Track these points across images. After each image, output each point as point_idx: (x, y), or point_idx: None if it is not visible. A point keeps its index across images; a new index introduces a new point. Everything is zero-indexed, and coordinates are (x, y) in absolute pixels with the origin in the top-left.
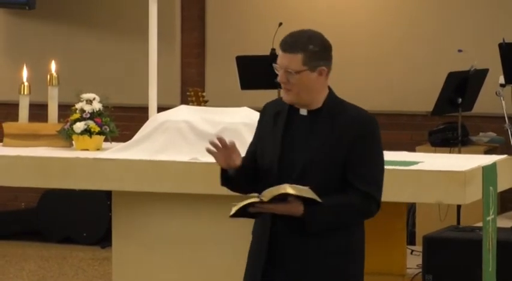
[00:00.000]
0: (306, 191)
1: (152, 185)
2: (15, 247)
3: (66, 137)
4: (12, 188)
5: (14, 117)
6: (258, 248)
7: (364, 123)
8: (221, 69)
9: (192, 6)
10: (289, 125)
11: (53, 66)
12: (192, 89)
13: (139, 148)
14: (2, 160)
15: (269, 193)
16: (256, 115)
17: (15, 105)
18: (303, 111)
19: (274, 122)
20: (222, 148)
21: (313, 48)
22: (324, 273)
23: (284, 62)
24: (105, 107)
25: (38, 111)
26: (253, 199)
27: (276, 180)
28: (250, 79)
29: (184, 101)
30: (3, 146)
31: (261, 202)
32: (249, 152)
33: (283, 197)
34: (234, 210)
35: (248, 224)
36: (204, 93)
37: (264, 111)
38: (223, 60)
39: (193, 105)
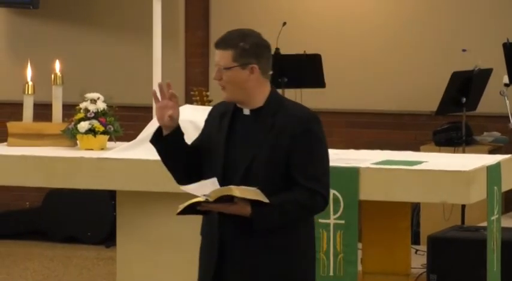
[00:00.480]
0: (253, 192)
1: (156, 185)
2: (20, 247)
3: (70, 136)
4: (17, 187)
5: (18, 117)
6: (208, 248)
7: (303, 121)
8: None
9: (196, 5)
10: (233, 125)
11: (57, 65)
12: (196, 89)
13: (144, 148)
14: (7, 159)
15: (215, 193)
16: None
17: (19, 105)
18: (246, 111)
19: (220, 122)
20: (163, 98)
21: (244, 45)
22: (273, 271)
23: (216, 58)
24: (109, 106)
25: (42, 111)
26: (199, 198)
27: (220, 179)
28: None
29: (189, 100)
30: (7, 145)
31: (207, 201)
32: (192, 143)
33: (230, 198)
34: (180, 208)
35: None
36: (208, 93)
37: (210, 113)
38: None
39: (197, 104)
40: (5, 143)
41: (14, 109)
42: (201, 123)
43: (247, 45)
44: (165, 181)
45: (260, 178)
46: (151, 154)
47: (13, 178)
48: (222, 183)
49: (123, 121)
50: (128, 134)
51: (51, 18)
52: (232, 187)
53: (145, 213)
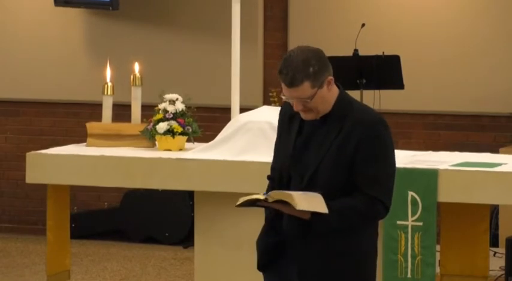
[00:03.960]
0: (313, 201)
1: (235, 186)
2: (98, 247)
3: (149, 137)
4: (96, 187)
5: (98, 118)
6: (271, 241)
7: (369, 125)
8: None
9: (274, 7)
10: (302, 128)
11: (136, 66)
12: (274, 90)
13: (222, 149)
14: (86, 159)
15: (276, 195)
16: None
17: (98, 106)
18: None
19: (289, 124)
20: None
21: (313, 69)
22: (332, 275)
23: (294, 94)
24: (187, 107)
25: (121, 112)
26: (260, 195)
27: (286, 179)
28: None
29: (267, 101)
30: (86, 146)
31: (266, 200)
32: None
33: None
34: (240, 201)
35: None
36: None
37: (280, 115)
38: None
39: (275, 105)
40: (84, 144)
41: (93, 110)
42: None
43: (316, 67)
44: (243, 182)
45: (325, 182)
46: (229, 154)
47: (92, 178)
48: (288, 185)
49: (201, 122)
50: (207, 135)
51: (130, 19)
52: (294, 194)
53: (223, 214)
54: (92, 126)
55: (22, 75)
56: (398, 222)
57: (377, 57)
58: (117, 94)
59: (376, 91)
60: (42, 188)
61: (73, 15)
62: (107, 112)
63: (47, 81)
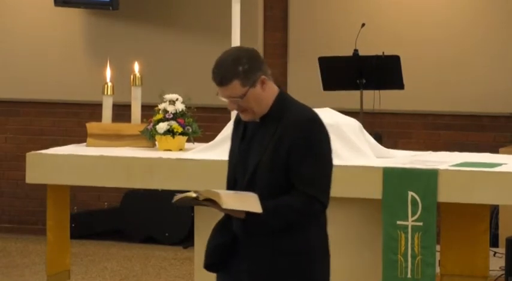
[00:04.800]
0: (245, 201)
1: None
2: (98, 247)
3: (149, 137)
4: (96, 187)
5: (98, 118)
6: (220, 241)
7: (302, 124)
8: (303, 70)
9: (275, 7)
10: (245, 132)
11: (136, 66)
12: None
13: (222, 149)
14: (86, 159)
15: (206, 193)
16: (338, 116)
17: (98, 106)
18: (256, 118)
19: (236, 129)
20: None
21: (243, 67)
22: (280, 273)
23: (225, 94)
24: (188, 107)
25: (121, 112)
26: (191, 194)
27: (232, 186)
28: (333, 80)
29: None
30: (86, 146)
31: (197, 199)
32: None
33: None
34: (175, 199)
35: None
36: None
37: (233, 122)
38: (305, 61)
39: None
40: (84, 144)
41: (93, 110)
42: None
43: (246, 65)
44: None
45: (265, 183)
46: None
47: (92, 178)
48: (234, 189)
49: (201, 122)
50: (207, 135)
51: (130, 19)
52: (222, 193)
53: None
54: (91, 127)
55: (22, 75)
56: (399, 222)
57: (377, 57)
58: (117, 94)
59: (376, 91)
60: (42, 188)
61: (73, 15)
62: (107, 112)
63: (47, 81)
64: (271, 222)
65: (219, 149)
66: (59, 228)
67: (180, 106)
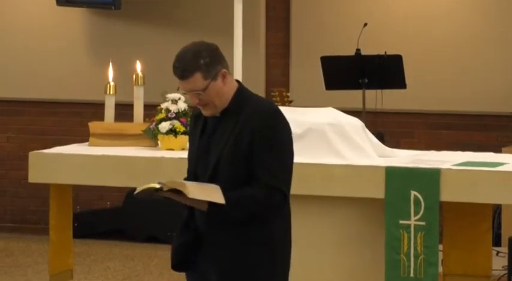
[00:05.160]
0: (208, 191)
1: None
2: (101, 246)
3: (151, 136)
4: (98, 187)
5: (100, 117)
6: (183, 232)
7: (262, 116)
8: (306, 70)
9: (277, 7)
10: (205, 128)
11: (139, 66)
12: (276, 90)
13: None
14: (88, 159)
15: (170, 184)
16: (341, 115)
17: (101, 105)
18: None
19: (195, 125)
20: None
21: (204, 60)
22: (241, 264)
23: (187, 87)
24: (190, 106)
25: (124, 111)
26: (155, 184)
27: (193, 178)
28: (335, 79)
29: None
30: (89, 145)
31: (161, 189)
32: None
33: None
34: (138, 191)
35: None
36: (288, 94)
37: (191, 117)
38: (307, 61)
39: (277, 105)
40: (87, 143)
41: (95, 109)
42: None
43: (207, 58)
44: None
45: (227, 176)
46: None
47: (94, 177)
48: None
49: None
50: None
51: (132, 19)
52: (187, 183)
53: None
54: (94, 126)
55: (24, 74)
56: (401, 221)
57: (379, 56)
58: (120, 94)
59: (379, 91)
60: (44, 187)
61: (75, 14)
62: (110, 112)
63: (49, 80)
64: (234, 213)
65: None
66: (62, 227)
67: (182, 105)
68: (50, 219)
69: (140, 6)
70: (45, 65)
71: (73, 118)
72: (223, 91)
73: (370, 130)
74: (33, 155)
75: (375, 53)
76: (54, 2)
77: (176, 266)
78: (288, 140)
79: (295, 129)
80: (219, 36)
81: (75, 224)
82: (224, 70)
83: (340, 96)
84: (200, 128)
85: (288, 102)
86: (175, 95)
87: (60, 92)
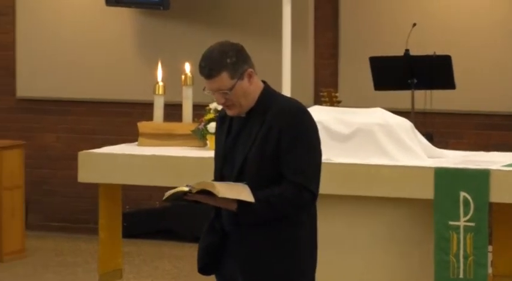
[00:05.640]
0: (237, 190)
1: None
2: (150, 246)
3: (200, 137)
4: (147, 187)
5: (149, 117)
6: (210, 232)
7: (289, 114)
8: (354, 70)
9: (325, 7)
10: (231, 128)
11: (187, 66)
12: (325, 90)
13: None
14: (137, 159)
15: (199, 185)
16: (389, 116)
17: (150, 105)
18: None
19: (221, 125)
20: None
21: (230, 60)
22: (268, 264)
23: (214, 86)
24: None
25: (173, 111)
26: (184, 188)
27: (219, 179)
28: (384, 80)
29: (317, 101)
30: (138, 145)
31: (190, 192)
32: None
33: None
34: (166, 195)
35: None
36: (337, 94)
37: (217, 118)
38: (356, 61)
39: (326, 105)
40: (136, 143)
41: (144, 109)
42: (330, 124)
43: (233, 58)
44: None
45: (254, 174)
46: None
47: (143, 177)
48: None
49: None
50: None
51: (181, 19)
52: (216, 183)
53: None
54: (143, 126)
55: (73, 74)
56: (450, 222)
57: (428, 57)
58: (169, 94)
59: (427, 91)
60: (94, 187)
61: (124, 14)
62: (158, 112)
63: (98, 80)
64: (263, 212)
65: None
66: (111, 227)
67: None
68: (99, 219)
69: (188, 7)
70: (94, 65)
71: (122, 118)
72: (249, 91)
73: (419, 131)
74: (83, 155)
75: (424, 53)
76: (104, 2)
77: (202, 269)
78: (316, 139)
79: (343, 129)
80: (267, 36)
81: (124, 224)
82: (250, 70)
83: (388, 96)
84: (226, 128)
85: (337, 103)
86: None
87: (109, 92)
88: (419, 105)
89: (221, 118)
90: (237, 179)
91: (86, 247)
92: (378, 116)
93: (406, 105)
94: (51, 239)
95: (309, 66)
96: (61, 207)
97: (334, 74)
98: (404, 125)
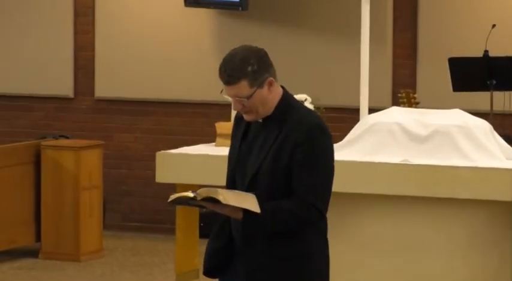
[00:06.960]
0: (243, 199)
1: (362, 187)
2: None
3: None
4: (224, 187)
5: (227, 118)
6: (218, 244)
7: (305, 130)
8: (433, 71)
9: (404, 7)
10: (247, 132)
11: None
12: (403, 91)
13: (351, 149)
14: (215, 159)
15: (204, 193)
16: (468, 117)
17: (227, 106)
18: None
19: (237, 130)
20: None
21: (252, 68)
22: (278, 278)
23: (232, 93)
24: (316, 108)
25: None
26: (189, 193)
27: (231, 186)
28: (463, 81)
29: (395, 102)
30: (215, 146)
31: (195, 198)
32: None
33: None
34: (171, 199)
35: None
36: (415, 95)
37: (234, 120)
38: (435, 62)
39: (404, 106)
40: (213, 144)
41: (222, 110)
42: (409, 125)
43: (255, 66)
44: (372, 183)
45: (266, 185)
46: (357, 155)
47: (220, 177)
48: (232, 188)
49: (330, 123)
50: (335, 136)
51: (259, 20)
52: (220, 190)
53: (350, 214)
54: (221, 127)
55: (152, 75)
56: None
57: (508, 58)
58: None
59: (506, 92)
60: (171, 187)
61: (203, 15)
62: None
63: (176, 81)
64: (269, 224)
65: (347, 149)
66: (188, 227)
67: (308, 106)
68: (176, 219)
69: (267, 7)
70: (172, 65)
71: (200, 118)
72: (268, 99)
73: (497, 132)
74: (160, 155)
75: (503, 54)
76: (183, 2)
77: (208, 272)
78: (331, 158)
79: (421, 130)
80: (345, 36)
81: (201, 224)
82: (271, 78)
83: (467, 97)
84: (242, 131)
85: (415, 104)
86: (302, 96)
87: (187, 93)
88: (498, 107)
89: (238, 119)
90: (248, 188)
91: (163, 247)
92: (456, 117)
93: (485, 107)
94: (128, 239)
95: (387, 67)
96: (138, 207)
97: (413, 74)
98: (483, 126)
